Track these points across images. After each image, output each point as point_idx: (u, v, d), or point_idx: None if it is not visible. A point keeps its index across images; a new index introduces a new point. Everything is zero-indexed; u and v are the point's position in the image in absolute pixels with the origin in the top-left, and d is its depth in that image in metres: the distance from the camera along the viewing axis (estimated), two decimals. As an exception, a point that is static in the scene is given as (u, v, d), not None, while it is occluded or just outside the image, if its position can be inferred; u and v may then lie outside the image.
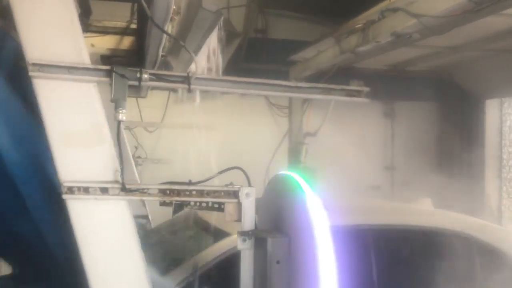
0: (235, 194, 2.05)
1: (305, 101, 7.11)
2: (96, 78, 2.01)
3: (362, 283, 3.12)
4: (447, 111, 7.73)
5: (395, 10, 4.44)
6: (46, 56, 1.95)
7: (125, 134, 3.65)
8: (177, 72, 2.66)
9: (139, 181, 3.75)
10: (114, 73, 1.99)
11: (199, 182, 2.10)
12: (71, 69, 1.97)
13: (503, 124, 7.29)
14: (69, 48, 2.00)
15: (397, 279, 3.28)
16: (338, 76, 5.74)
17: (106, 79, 2.01)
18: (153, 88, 2.47)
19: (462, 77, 7.33)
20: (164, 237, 3.70)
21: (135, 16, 3.77)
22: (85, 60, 2.01)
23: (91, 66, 2.01)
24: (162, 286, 2.85)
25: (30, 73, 1.93)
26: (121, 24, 4.04)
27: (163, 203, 2.27)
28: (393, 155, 7.88)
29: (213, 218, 3.40)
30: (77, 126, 2.00)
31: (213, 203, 2.13)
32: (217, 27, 2.58)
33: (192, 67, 2.68)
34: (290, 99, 7.11)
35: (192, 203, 2.19)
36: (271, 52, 7.02)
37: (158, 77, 2.12)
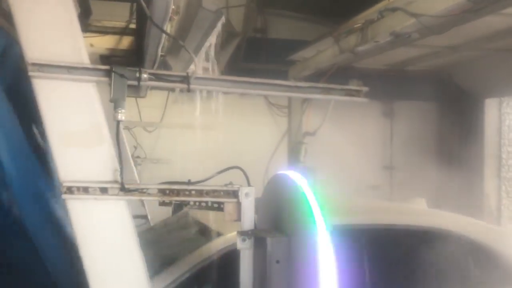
0: (234, 194, 2.05)
1: (305, 100, 7.12)
2: (95, 78, 2.02)
3: (355, 282, 3.11)
4: (446, 111, 7.73)
5: (394, 9, 4.44)
6: (45, 56, 1.95)
7: (124, 134, 3.66)
8: (176, 71, 2.66)
9: (138, 181, 3.76)
10: (113, 73, 2.00)
11: (199, 182, 2.10)
12: (71, 69, 1.97)
13: (502, 124, 7.30)
14: (69, 48, 2.00)
15: (390, 279, 3.28)
16: (337, 75, 5.74)
17: (105, 79, 2.02)
18: (152, 88, 2.48)
19: (461, 76, 7.33)
20: (156, 237, 3.69)
21: (134, 16, 3.77)
22: (85, 60, 2.02)
23: (90, 66, 2.01)
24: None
25: (30, 73, 1.94)
26: (120, 24, 4.04)
27: (162, 203, 2.27)
28: (392, 154, 7.88)
29: (206, 218, 3.40)
30: (76, 126, 2.00)
31: (213, 202, 2.13)
32: (219, 26, 2.59)
33: (192, 67, 2.68)
34: (290, 98, 7.12)
35: (191, 203, 2.19)
36: (270, 51, 7.02)
37: (157, 77, 2.12)
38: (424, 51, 6.28)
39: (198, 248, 3.06)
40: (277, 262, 1.85)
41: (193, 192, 2.07)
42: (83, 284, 1.99)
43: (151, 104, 6.15)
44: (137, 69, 2.05)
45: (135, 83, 2.05)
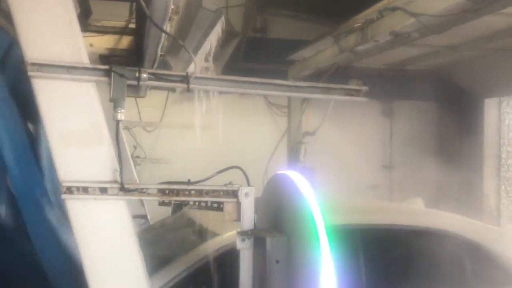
0: (234, 194, 2.05)
1: (304, 100, 7.11)
2: (95, 78, 2.01)
3: (354, 282, 3.11)
4: (445, 110, 7.73)
5: (393, 9, 4.44)
6: (45, 55, 1.95)
7: (124, 134, 3.66)
8: (176, 71, 2.66)
9: (138, 181, 3.75)
10: (113, 73, 1.99)
11: (198, 181, 2.09)
12: (70, 69, 1.97)
13: (502, 123, 7.30)
14: (68, 47, 2.00)
15: (386, 279, 3.28)
16: (337, 75, 5.74)
17: (105, 79, 2.01)
18: (152, 87, 2.48)
19: (461, 76, 7.33)
20: (152, 237, 3.69)
21: (134, 16, 3.77)
22: (84, 59, 2.01)
23: (90, 66, 2.01)
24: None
25: (29, 73, 1.93)
26: (119, 23, 4.04)
27: (162, 203, 2.27)
28: (392, 154, 7.88)
29: (201, 218, 3.40)
30: (76, 126, 2.00)
31: (212, 202, 2.13)
32: (219, 26, 2.59)
33: (191, 66, 2.68)
34: (289, 98, 7.11)
35: (191, 203, 2.19)
36: (270, 51, 7.02)
37: (157, 77, 2.12)
38: (423, 50, 6.28)
39: (192, 249, 3.07)
40: (277, 262, 1.85)
41: (192, 192, 2.07)
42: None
43: (150, 104, 6.15)
44: (137, 68, 2.05)
45: (134, 82, 2.05)
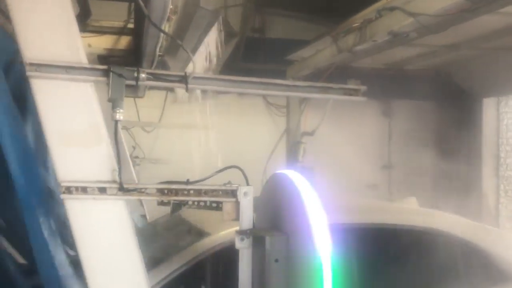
0: (233, 193, 2.05)
1: (303, 100, 7.10)
2: (93, 78, 2.01)
3: (348, 281, 3.11)
4: (444, 110, 7.74)
5: (392, 9, 4.44)
6: (43, 55, 1.95)
7: (122, 134, 3.66)
8: (174, 71, 2.66)
9: (136, 181, 3.75)
10: (111, 73, 1.99)
11: (197, 181, 2.10)
12: (69, 69, 1.97)
13: (500, 123, 7.31)
14: (66, 47, 1.99)
15: (383, 279, 3.29)
16: (336, 75, 5.74)
17: (103, 79, 2.01)
18: (151, 87, 2.47)
19: (460, 75, 7.34)
20: (146, 238, 3.70)
21: (132, 16, 3.77)
22: (83, 60, 2.01)
23: (88, 66, 2.01)
24: None
25: (28, 73, 1.93)
26: (118, 23, 4.03)
27: (161, 203, 2.27)
28: (391, 153, 7.89)
29: (196, 218, 3.40)
30: (74, 126, 2.00)
31: (211, 202, 2.13)
32: (216, 26, 2.59)
33: (190, 66, 2.68)
34: (288, 98, 7.11)
35: (190, 203, 2.19)
36: (268, 51, 7.02)
37: (156, 77, 2.12)
38: (422, 50, 6.29)
39: (185, 248, 3.07)
40: (276, 261, 1.85)
41: (191, 191, 2.07)
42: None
43: (149, 104, 6.15)
44: (135, 68, 2.05)
45: (133, 82, 2.05)
